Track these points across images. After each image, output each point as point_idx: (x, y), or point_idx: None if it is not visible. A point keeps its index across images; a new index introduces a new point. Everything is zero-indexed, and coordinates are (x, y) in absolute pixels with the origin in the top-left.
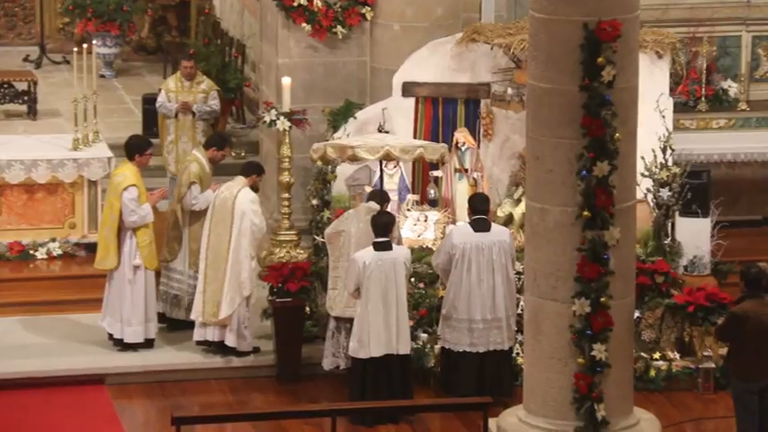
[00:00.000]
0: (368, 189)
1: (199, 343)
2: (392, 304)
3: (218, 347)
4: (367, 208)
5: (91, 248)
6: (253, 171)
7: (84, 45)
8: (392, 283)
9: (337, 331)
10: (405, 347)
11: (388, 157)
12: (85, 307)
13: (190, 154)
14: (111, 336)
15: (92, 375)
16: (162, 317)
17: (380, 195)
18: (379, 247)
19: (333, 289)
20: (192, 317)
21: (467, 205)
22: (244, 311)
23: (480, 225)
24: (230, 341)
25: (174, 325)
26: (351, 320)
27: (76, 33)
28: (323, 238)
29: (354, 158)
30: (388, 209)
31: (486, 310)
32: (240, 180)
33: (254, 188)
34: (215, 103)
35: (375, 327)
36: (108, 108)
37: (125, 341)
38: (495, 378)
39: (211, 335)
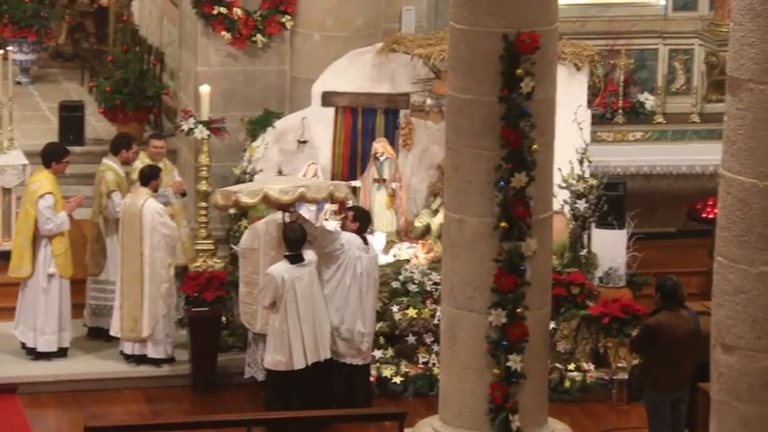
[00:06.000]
0: None
1: (122, 354)
2: (312, 312)
3: (139, 359)
4: (275, 220)
5: (4, 256)
6: (151, 177)
7: (0, 51)
8: (309, 292)
9: (254, 343)
10: (327, 352)
11: (266, 200)
12: None
13: (102, 164)
14: (23, 345)
15: (4, 384)
16: (93, 330)
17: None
18: (293, 259)
19: (249, 304)
20: (112, 333)
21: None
22: (166, 324)
23: (365, 240)
24: (152, 353)
25: (110, 336)
26: None
27: None
28: None
29: (237, 204)
30: (307, 216)
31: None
32: (142, 191)
33: (154, 189)
34: (183, 180)
35: (300, 339)
36: (24, 115)
37: (38, 350)
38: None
39: (131, 348)
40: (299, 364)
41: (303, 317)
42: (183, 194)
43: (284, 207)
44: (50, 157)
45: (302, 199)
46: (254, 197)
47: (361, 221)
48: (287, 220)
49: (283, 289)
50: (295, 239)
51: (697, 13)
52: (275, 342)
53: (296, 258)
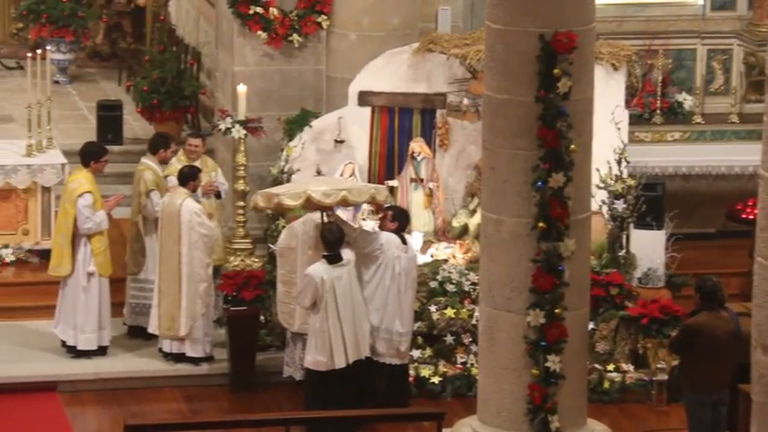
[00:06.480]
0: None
1: (161, 351)
2: (352, 311)
3: (177, 357)
4: (313, 219)
5: (44, 255)
6: (189, 178)
7: (39, 51)
8: (348, 291)
9: (293, 343)
10: (367, 350)
11: (308, 203)
12: (38, 314)
13: (140, 163)
14: (64, 343)
15: (44, 382)
16: (132, 329)
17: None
18: (331, 259)
19: (287, 303)
20: (150, 330)
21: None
22: (205, 323)
23: (404, 240)
24: (191, 351)
25: (149, 335)
26: (307, 334)
27: (30, 39)
28: None
29: (280, 206)
30: (345, 217)
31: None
32: (181, 191)
33: (193, 190)
34: (225, 181)
35: (341, 338)
36: (62, 114)
37: (78, 348)
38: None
39: (169, 346)
40: (339, 363)
41: (343, 316)
42: (218, 196)
43: (323, 208)
44: (89, 156)
45: (344, 202)
46: (297, 199)
47: (399, 221)
48: (325, 220)
49: (323, 289)
50: (333, 240)
51: (735, 12)
52: (316, 342)
53: (334, 258)
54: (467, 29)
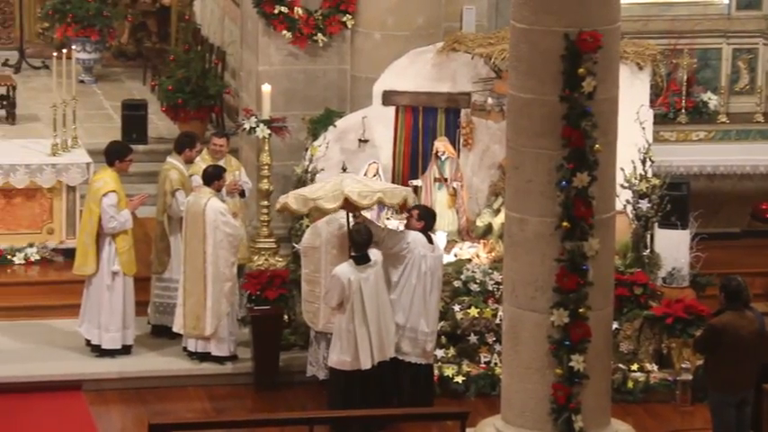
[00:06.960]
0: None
1: (186, 350)
2: (378, 312)
3: (202, 356)
4: (337, 218)
5: (69, 254)
6: (214, 177)
7: (64, 50)
8: (375, 292)
9: (316, 342)
10: (392, 351)
11: (346, 204)
12: (63, 313)
13: (166, 162)
14: (88, 342)
15: (69, 381)
16: (157, 328)
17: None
18: (359, 260)
19: (312, 303)
20: (175, 329)
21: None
22: (229, 322)
23: (431, 239)
24: (216, 351)
25: (174, 334)
26: (331, 333)
27: (56, 38)
28: None
29: (318, 211)
30: (369, 216)
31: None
32: (205, 191)
33: (218, 189)
34: (249, 180)
35: (367, 339)
36: (87, 113)
37: (103, 347)
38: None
39: (194, 345)
40: (365, 364)
41: (369, 317)
42: (242, 195)
43: (354, 209)
44: (114, 155)
45: (379, 203)
46: (335, 202)
47: (426, 220)
48: (351, 221)
49: (350, 290)
50: (361, 241)
51: (761, 12)
52: (341, 342)
53: (362, 259)
54: (491, 28)
